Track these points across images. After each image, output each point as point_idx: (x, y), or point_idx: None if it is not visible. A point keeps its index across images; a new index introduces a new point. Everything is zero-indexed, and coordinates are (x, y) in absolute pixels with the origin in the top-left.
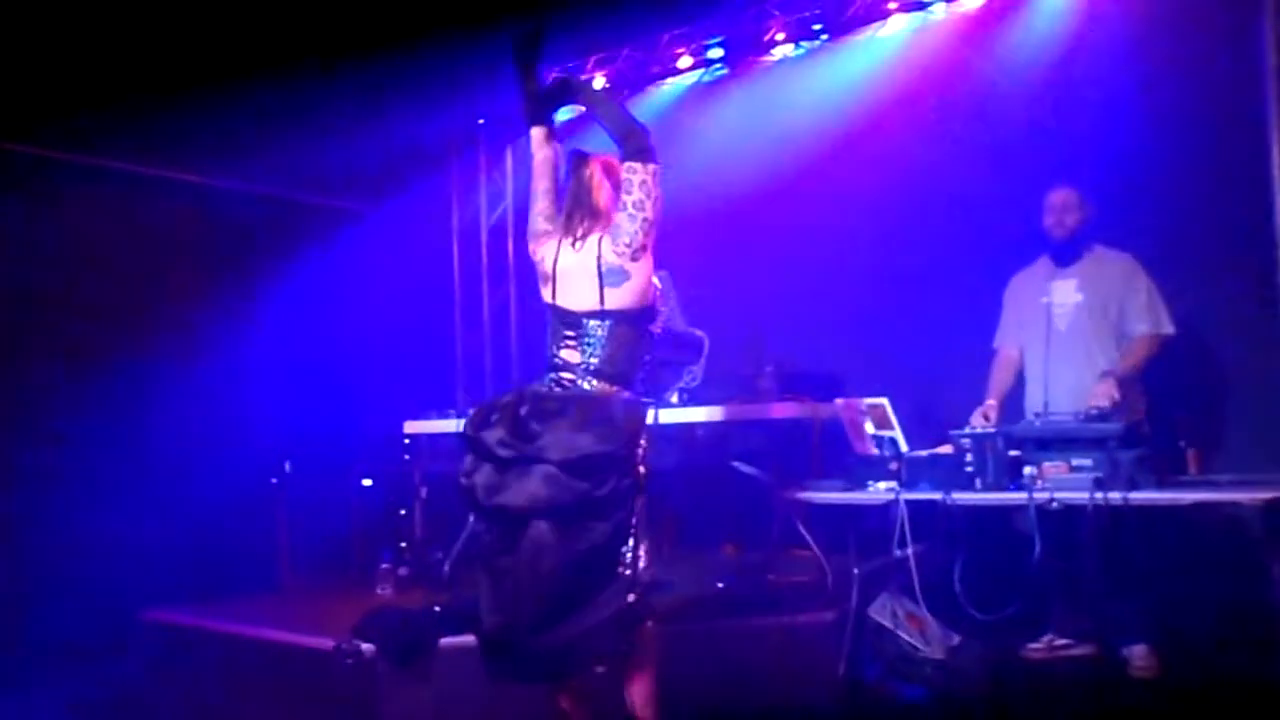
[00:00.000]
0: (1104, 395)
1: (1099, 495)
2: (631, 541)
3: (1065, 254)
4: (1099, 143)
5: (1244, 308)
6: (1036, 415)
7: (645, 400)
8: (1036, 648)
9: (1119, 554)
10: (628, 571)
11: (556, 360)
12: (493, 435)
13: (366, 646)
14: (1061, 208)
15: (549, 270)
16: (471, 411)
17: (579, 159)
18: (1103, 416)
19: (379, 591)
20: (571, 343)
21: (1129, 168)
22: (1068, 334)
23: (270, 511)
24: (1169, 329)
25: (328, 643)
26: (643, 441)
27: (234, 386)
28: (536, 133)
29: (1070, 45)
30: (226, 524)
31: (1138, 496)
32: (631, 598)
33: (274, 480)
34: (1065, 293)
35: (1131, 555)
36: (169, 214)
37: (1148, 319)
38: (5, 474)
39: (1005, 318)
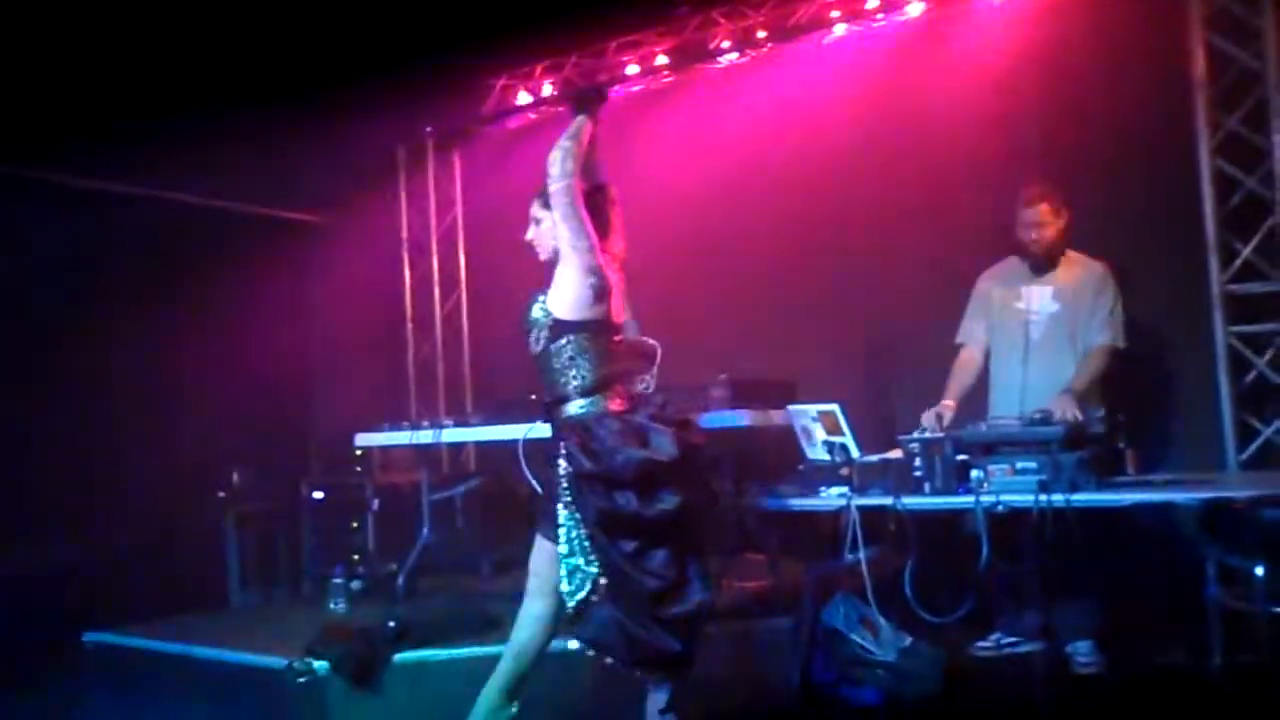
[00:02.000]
0: (1063, 411)
1: (1042, 497)
2: None
3: (1040, 261)
4: (1039, 145)
5: (1178, 308)
6: (983, 420)
7: None
8: (985, 646)
9: (1062, 554)
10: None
11: (620, 371)
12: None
13: (319, 664)
14: (1038, 223)
15: (609, 286)
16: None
17: (607, 186)
18: (1045, 420)
19: (332, 607)
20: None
21: (1069, 170)
22: (1042, 342)
23: (218, 526)
24: (1123, 343)
25: (280, 661)
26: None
27: (182, 398)
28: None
29: (1009, 54)
30: (173, 540)
31: (1079, 498)
32: None
33: (221, 494)
34: (1041, 300)
35: (1074, 555)
36: (120, 228)
37: (1109, 332)
38: None
39: (972, 317)
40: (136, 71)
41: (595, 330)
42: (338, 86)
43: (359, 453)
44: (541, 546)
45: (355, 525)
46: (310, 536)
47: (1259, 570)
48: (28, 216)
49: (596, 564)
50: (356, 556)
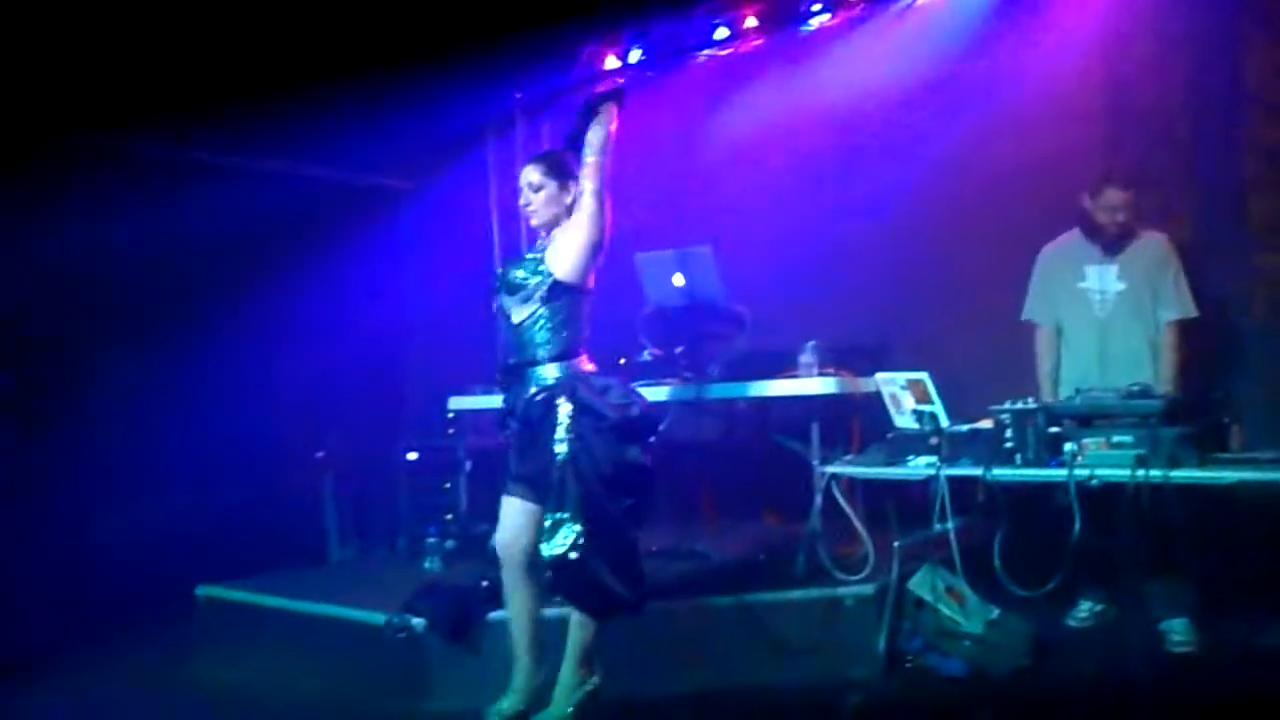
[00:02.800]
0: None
1: (1140, 473)
2: None
3: (1113, 246)
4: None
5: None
6: (1078, 391)
7: None
8: (1080, 615)
9: (1159, 531)
10: None
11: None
12: None
13: (417, 620)
14: (1118, 207)
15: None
16: None
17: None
18: (1145, 393)
19: (426, 565)
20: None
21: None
22: (1111, 320)
23: (318, 486)
24: (1193, 312)
25: (379, 617)
26: None
27: (282, 364)
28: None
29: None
30: (276, 499)
31: (1179, 474)
32: None
33: (319, 454)
34: (1107, 280)
35: (1172, 532)
36: (214, 198)
37: (1175, 305)
38: (70, 456)
39: (1038, 292)
40: (227, 41)
41: (588, 296)
42: (427, 53)
43: (452, 415)
44: (517, 507)
45: (448, 486)
46: (405, 496)
47: None
48: (124, 187)
49: (582, 518)
50: (450, 516)
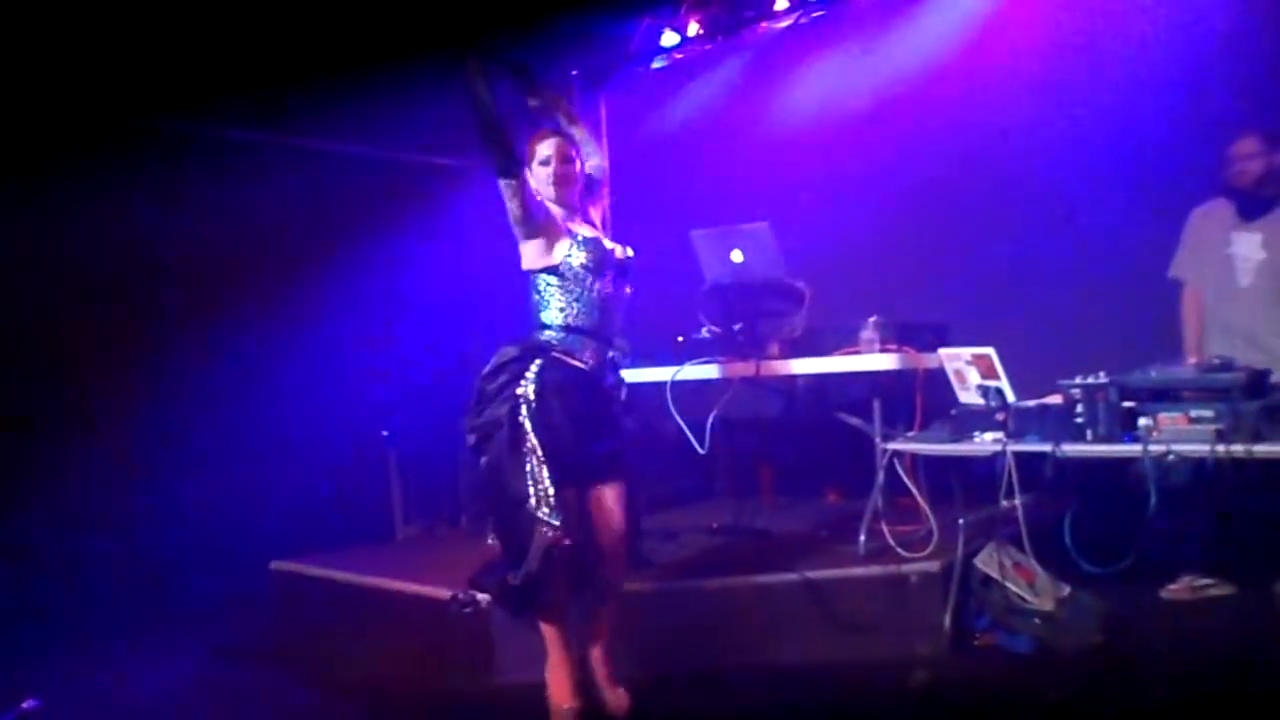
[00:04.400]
0: None
1: (1220, 449)
2: None
3: (1250, 205)
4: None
5: None
6: (1152, 366)
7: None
8: (1176, 589)
9: (1240, 509)
10: None
11: None
12: None
13: (482, 596)
14: (1245, 156)
15: None
16: None
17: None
18: (1226, 366)
19: (490, 542)
20: None
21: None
22: (1250, 290)
23: (383, 464)
24: None
25: (445, 592)
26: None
27: (348, 344)
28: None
29: None
30: (344, 477)
31: (1263, 449)
32: None
33: (385, 433)
34: (1250, 246)
35: (1253, 510)
36: (281, 180)
37: None
38: (147, 434)
39: (1187, 250)
40: (285, 23)
41: None
42: (485, 30)
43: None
44: (618, 493)
45: None
46: (467, 475)
47: None
48: (192, 171)
49: None
50: None
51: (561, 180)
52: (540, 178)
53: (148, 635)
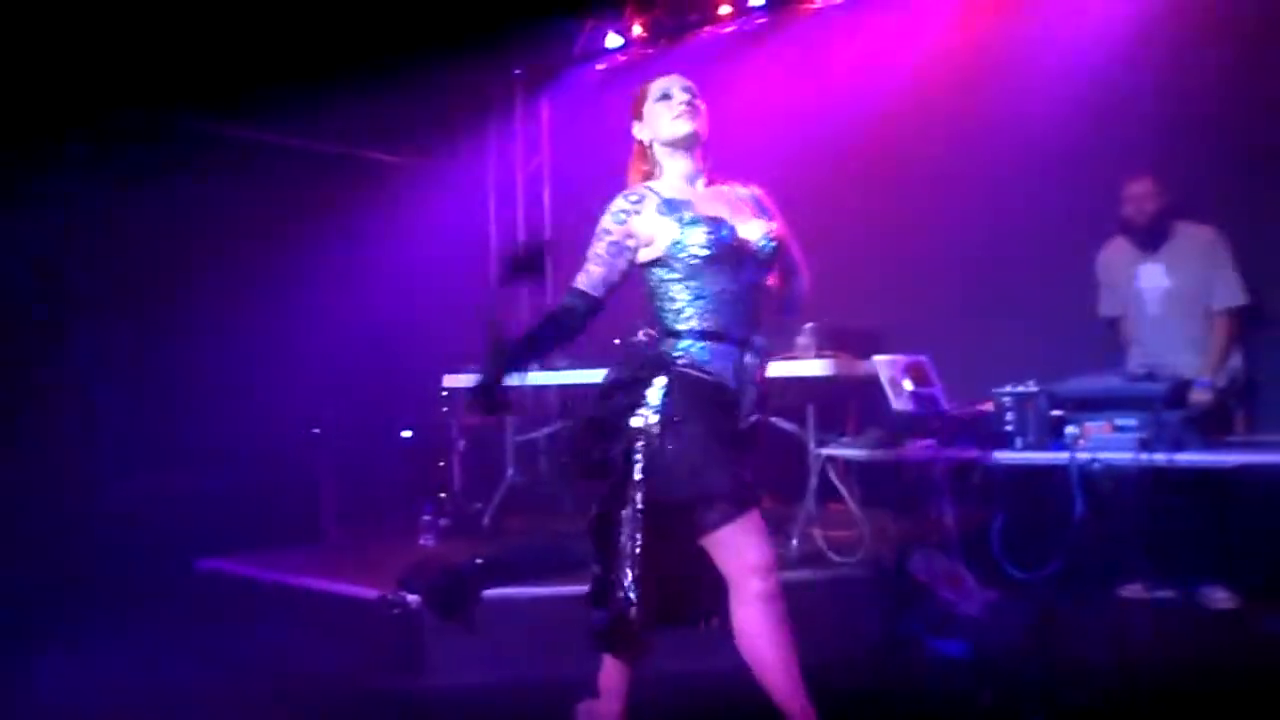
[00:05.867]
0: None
1: (1143, 456)
2: None
3: (1149, 238)
4: (1147, 101)
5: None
6: (1080, 376)
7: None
8: (1131, 588)
9: (1165, 514)
10: None
11: None
12: None
13: (411, 597)
14: (1140, 197)
15: None
16: None
17: None
18: (1149, 376)
19: (421, 542)
20: None
21: (1179, 126)
22: (1160, 318)
23: (313, 462)
24: (1243, 299)
25: (373, 593)
26: None
27: (277, 339)
28: None
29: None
30: (273, 476)
31: (1183, 458)
32: None
33: (315, 430)
34: (1154, 277)
35: (1176, 515)
36: (213, 173)
37: (1227, 294)
38: (71, 432)
39: (1106, 290)
40: (227, 16)
41: None
42: (427, 28)
43: (446, 394)
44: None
45: (442, 464)
46: (399, 474)
47: None
48: (120, 161)
49: None
50: (444, 495)
51: (688, 114)
52: (659, 117)
53: (68, 632)
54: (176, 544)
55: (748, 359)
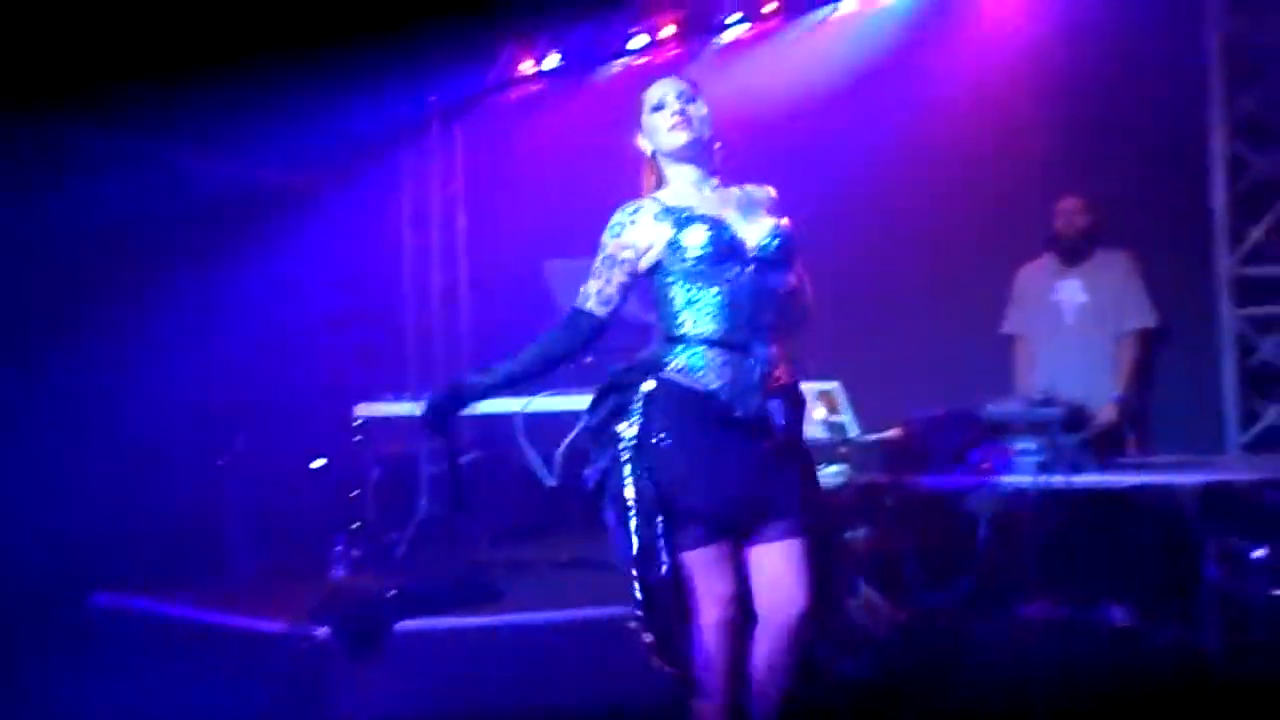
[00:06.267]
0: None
1: (1042, 479)
2: None
3: (1072, 254)
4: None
5: (1179, 291)
6: (985, 402)
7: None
8: (1033, 608)
9: (1064, 535)
10: None
11: None
12: None
13: (320, 630)
14: (1070, 212)
15: None
16: None
17: None
18: (1047, 402)
19: (332, 574)
20: None
21: (1082, 150)
22: (1074, 332)
23: (220, 493)
24: (1154, 321)
25: (280, 626)
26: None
27: (183, 365)
28: None
29: (1023, 36)
30: (176, 506)
31: (1080, 480)
32: None
33: (221, 460)
34: (1073, 292)
35: (1077, 535)
36: (111, 190)
37: (1137, 315)
38: None
39: (1013, 307)
40: (146, 30)
41: None
42: (341, 51)
43: (359, 422)
44: (787, 552)
45: (355, 494)
46: (310, 504)
47: (1259, 553)
48: (30, 173)
49: None
50: (356, 525)
51: (681, 125)
52: (656, 128)
53: None
54: (71, 582)
55: (751, 366)
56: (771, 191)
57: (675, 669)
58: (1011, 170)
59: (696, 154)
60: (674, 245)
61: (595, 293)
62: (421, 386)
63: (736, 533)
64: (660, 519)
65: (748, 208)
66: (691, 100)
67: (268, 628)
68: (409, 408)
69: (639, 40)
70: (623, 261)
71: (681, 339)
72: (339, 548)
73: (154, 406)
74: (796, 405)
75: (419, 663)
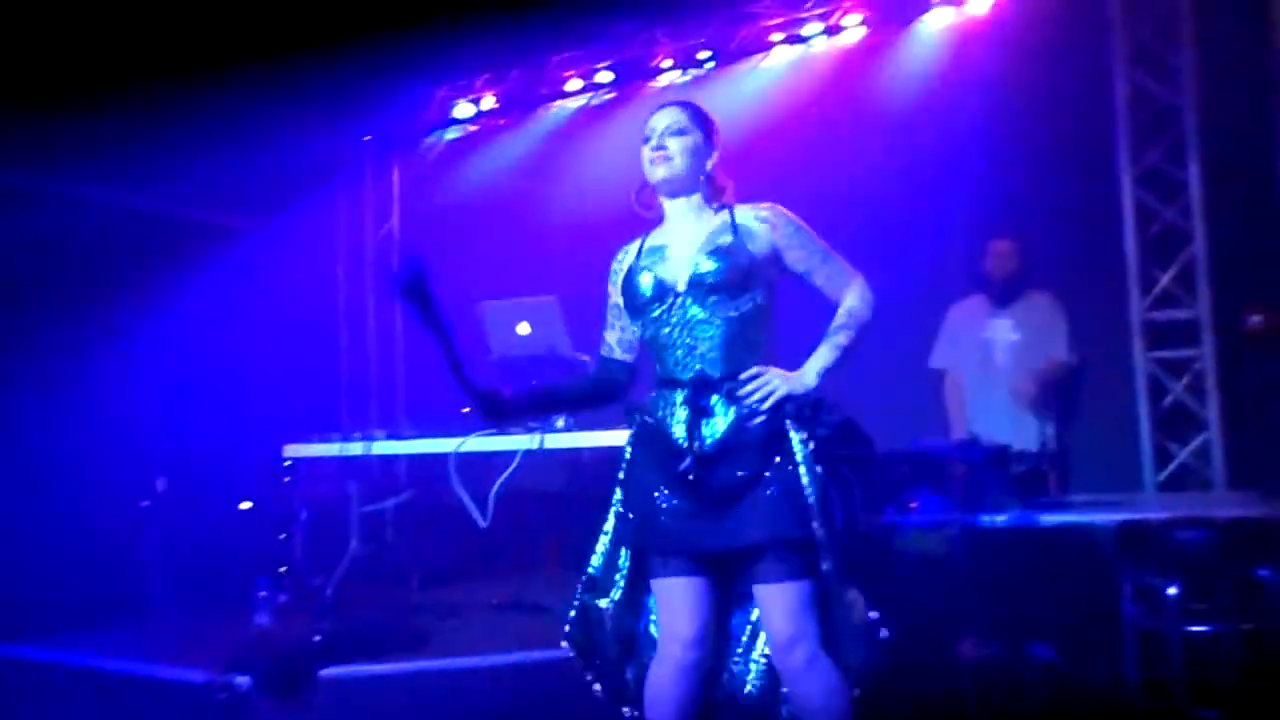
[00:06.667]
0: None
1: (968, 518)
2: None
3: (1004, 294)
4: (969, 172)
5: (1097, 335)
6: (914, 440)
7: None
8: (963, 646)
9: (990, 573)
10: None
11: None
12: None
13: (241, 679)
14: (1002, 255)
15: None
16: None
17: None
18: (973, 442)
19: (256, 620)
20: None
21: (999, 197)
22: (1004, 370)
23: (140, 537)
24: (1074, 361)
25: (199, 675)
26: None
27: (106, 404)
28: None
29: (940, 84)
30: (94, 550)
31: (1004, 519)
32: None
33: (144, 503)
34: (1004, 330)
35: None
36: (44, 226)
37: (1064, 352)
38: None
39: (944, 342)
40: (69, 65)
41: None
42: (276, 91)
43: (288, 463)
44: (701, 590)
45: (283, 537)
46: (236, 548)
47: (1172, 590)
48: None
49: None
50: (283, 569)
51: (658, 159)
52: (644, 161)
53: None
54: None
55: (705, 404)
56: (763, 211)
57: (626, 707)
58: (939, 212)
59: (679, 187)
60: (625, 292)
61: (615, 342)
62: (354, 427)
63: (714, 573)
64: (625, 550)
65: (710, 237)
66: (679, 132)
67: (185, 677)
68: (339, 448)
69: (573, 83)
70: (615, 306)
71: (656, 381)
72: (263, 592)
73: (76, 449)
74: (756, 439)
75: (345, 710)
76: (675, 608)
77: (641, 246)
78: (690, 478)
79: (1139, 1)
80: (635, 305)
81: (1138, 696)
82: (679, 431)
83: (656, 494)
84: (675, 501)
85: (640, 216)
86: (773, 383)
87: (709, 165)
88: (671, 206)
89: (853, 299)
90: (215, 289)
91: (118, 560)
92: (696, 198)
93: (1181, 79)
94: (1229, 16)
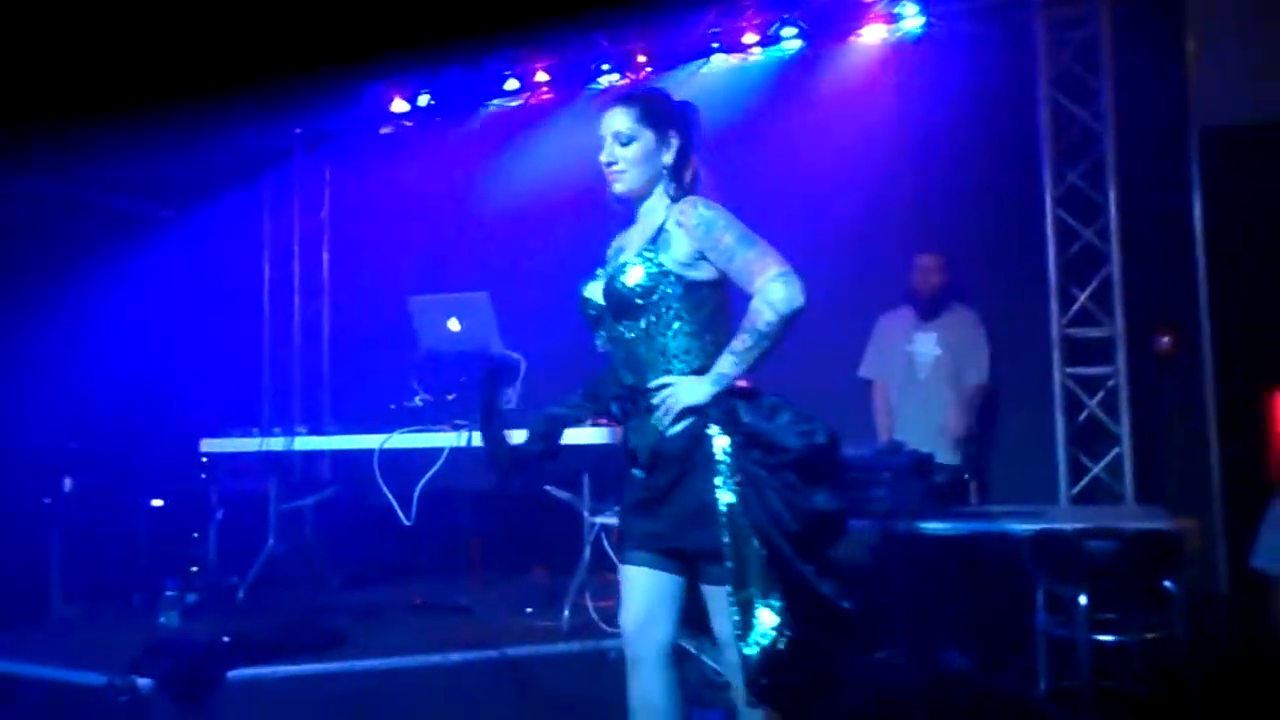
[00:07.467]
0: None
1: (888, 525)
2: None
3: (929, 309)
4: (897, 188)
5: (1018, 350)
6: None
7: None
8: (880, 652)
9: (909, 580)
10: None
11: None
12: None
13: (143, 681)
14: (927, 270)
15: None
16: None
17: None
18: (895, 449)
19: (162, 620)
20: None
21: (924, 213)
22: (926, 382)
23: (43, 534)
24: (986, 380)
25: (100, 678)
26: None
27: (12, 395)
28: None
29: (875, 98)
30: None
31: (924, 526)
32: None
33: (47, 500)
34: (927, 344)
35: (920, 579)
36: None
37: (980, 373)
38: None
39: (871, 352)
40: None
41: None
42: (207, 81)
43: (205, 459)
44: (647, 579)
45: (197, 535)
46: (145, 546)
47: (1082, 599)
48: None
49: (778, 590)
50: (195, 568)
51: (614, 175)
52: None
53: None
54: None
55: (636, 415)
56: (685, 212)
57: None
58: (871, 224)
59: (638, 193)
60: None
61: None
62: (275, 421)
63: (669, 569)
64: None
65: (643, 244)
66: (629, 140)
67: (82, 679)
68: (259, 444)
69: (512, 84)
70: None
71: None
72: (170, 592)
73: None
74: (676, 449)
75: (253, 712)
76: (626, 592)
77: (608, 254)
78: (639, 478)
79: (1063, 28)
80: (588, 315)
81: (1045, 705)
82: (638, 441)
83: (628, 487)
84: (631, 501)
85: (571, 220)
86: (674, 395)
87: (666, 158)
88: (639, 204)
89: (756, 299)
90: (135, 279)
91: (19, 560)
92: (658, 192)
93: (1101, 104)
94: (1147, 46)
